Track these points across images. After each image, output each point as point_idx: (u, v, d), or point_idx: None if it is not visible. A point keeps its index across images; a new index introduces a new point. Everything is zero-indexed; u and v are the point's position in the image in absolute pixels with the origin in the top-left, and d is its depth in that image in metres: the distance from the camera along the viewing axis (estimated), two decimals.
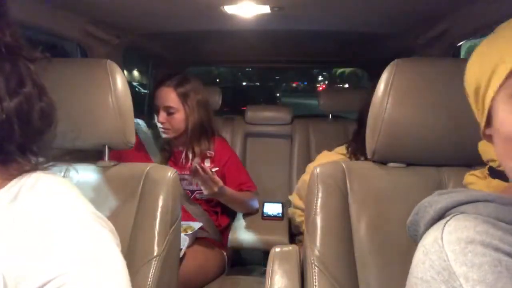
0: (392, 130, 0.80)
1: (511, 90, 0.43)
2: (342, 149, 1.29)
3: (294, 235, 1.51)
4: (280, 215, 1.60)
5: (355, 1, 1.21)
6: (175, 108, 1.42)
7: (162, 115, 1.43)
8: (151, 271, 0.81)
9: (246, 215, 1.58)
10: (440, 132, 0.78)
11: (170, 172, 0.92)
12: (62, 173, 0.88)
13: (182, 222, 1.31)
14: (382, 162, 0.86)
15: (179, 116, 1.43)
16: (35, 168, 0.48)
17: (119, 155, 1.08)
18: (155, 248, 0.84)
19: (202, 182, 1.30)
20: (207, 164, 1.43)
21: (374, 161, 0.87)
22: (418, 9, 1.25)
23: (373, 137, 0.82)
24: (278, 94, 11.23)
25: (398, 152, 0.83)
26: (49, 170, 0.50)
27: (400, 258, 0.75)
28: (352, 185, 0.83)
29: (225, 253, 1.50)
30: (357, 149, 1.21)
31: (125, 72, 2.25)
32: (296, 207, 1.38)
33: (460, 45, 1.48)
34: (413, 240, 0.52)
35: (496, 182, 0.61)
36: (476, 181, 0.67)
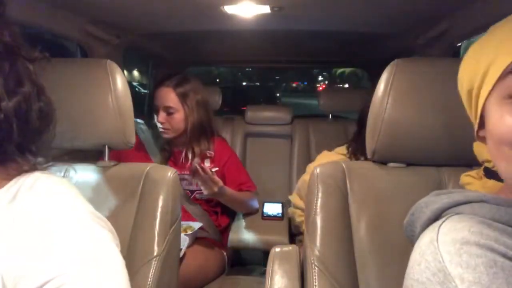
0: (392, 130, 0.80)
1: (504, 92, 0.43)
2: (342, 149, 1.29)
3: (294, 235, 1.51)
4: (280, 215, 1.60)
5: (355, 1, 1.21)
6: (174, 108, 1.42)
7: (162, 115, 1.43)
8: (151, 271, 0.81)
9: (246, 215, 1.58)
10: (440, 132, 0.78)
11: (170, 172, 0.92)
12: (62, 173, 0.89)
13: (182, 222, 1.31)
14: (382, 162, 0.86)
15: (179, 116, 1.43)
16: (34, 168, 0.48)
17: (119, 155, 1.08)
18: (155, 248, 0.84)
19: (202, 182, 1.30)
20: (207, 164, 1.43)
21: (374, 161, 0.87)
22: (418, 9, 1.25)
23: (373, 137, 0.82)
24: (278, 94, 11.22)
25: (398, 152, 0.83)
26: (48, 170, 0.50)
27: (400, 258, 0.74)
28: (352, 185, 0.83)
29: (225, 253, 1.50)
30: (357, 149, 1.21)
31: (125, 72, 2.25)
32: (296, 207, 1.38)
33: (460, 45, 1.48)
34: (410, 241, 0.52)
35: (492, 183, 0.61)
36: (472, 181, 0.67)
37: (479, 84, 0.46)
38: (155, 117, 1.45)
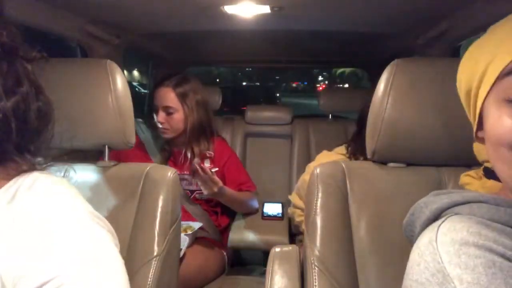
0: (392, 130, 0.80)
1: (502, 93, 0.43)
2: (341, 149, 1.29)
3: (294, 235, 1.51)
4: (280, 215, 1.60)
5: (355, 1, 1.21)
6: (174, 108, 1.42)
7: (161, 115, 1.43)
8: (151, 271, 0.81)
9: (246, 215, 1.58)
10: (440, 132, 0.78)
11: (170, 172, 0.92)
12: (62, 173, 0.88)
13: (182, 222, 1.31)
14: (382, 162, 0.86)
15: (178, 116, 1.43)
16: (33, 168, 0.48)
17: (119, 155, 1.08)
18: (155, 248, 0.84)
19: (202, 182, 1.30)
20: (207, 164, 1.43)
21: (374, 161, 0.87)
22: (418, 9, 1.25)
23: (373, 137, 0.82)
24: (278, 94, 11.22)
25: (398, 152, 0.83)
26: (48, 170, 0.50)
27: (400, 258, 0.74)
28: (352, 185, 0.83)
29: (225, 253, 1.50)
30: (356, 149, 1.21)
31: (125, 72, 2.25)
32: (296, 207, 1.38)
33: (460, 45, 1.48)
34: (409, 241, 0.52)
35: (491, 183, 0.61)
36: (472, 181, 0.67)
37: (477, 84, 0.46)
38: (155, 117, 1.45)
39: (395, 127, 0.80)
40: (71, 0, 1.18)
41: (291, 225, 1.51)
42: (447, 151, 0.80)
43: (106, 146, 0.95)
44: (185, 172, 1.46)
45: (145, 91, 3.37)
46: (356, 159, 1.20)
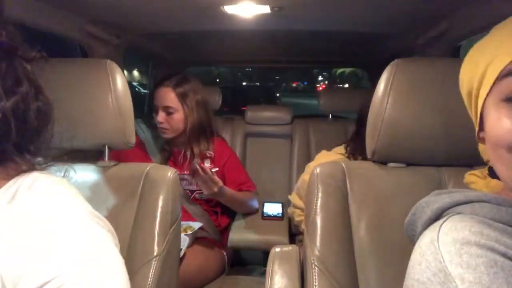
0: (392, 130, 0.80)
1: (501, 94, 0.43)
2: (340, 149, 1.29)
3: (294, 235, 1.51)
4: (280, 215, 1.60)
5: (355, 1, 1.21)
6: (174, 108, 1.42)
7: (161, 115, 1.43)
8: (151, 271, 0.81)
9: (246, 215, 1.58)
10: (440, 132, 0.78)
11: (170, 172, 0.92)
12: (62, 173, 0.88)
13: (182, 222, 1.31)
14: (382, 162, 0.86)
15: (178, 116, 1.43)
16: (32, 168, 0.48)
17: (119, 155, 1.08)
18: (155, 248, 0.84)
19: (202, 182, 1.30)
20: (207, 164, 1.43)
21: (374, 161, 0.87)
22: (418, 9, 1.25)
23: (373, 137, 0.82)
24: (278, 94, 11.22)
25: (398, 152, 0.83)
26: (48, 170, 0.50)
27: (400, 258, 0.75)
28: (352, 185, 0.83)
29: (225, 253, 1.50)
30: (355, 149, 1.21)
31: (125, 72, 2.25)
32: (296, 207, 1.38)
33: (460, 45, 1.48)
34: (411, 240, 0.52)
35: (495, 182, 0.61)
36: (476, 180, 0.67)
37: (477, 85, 0.46)
38: (155, 117, 1.45)
39: (395, 127, 0.80)
40: (71, 0, 1.18)
41: (291, 225, 1.51)
42: (447, 151, 0.80)
43: (106, 146, 0.95)
44: (185, 172, 1.46)
45: (145, 91, 3.37)
46: (355, 158, 1.20)
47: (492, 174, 0.64)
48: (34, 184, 0.46)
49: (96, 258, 0.42)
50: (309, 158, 1.93)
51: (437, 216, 0.46)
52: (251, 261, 1.79)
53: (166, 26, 1.59)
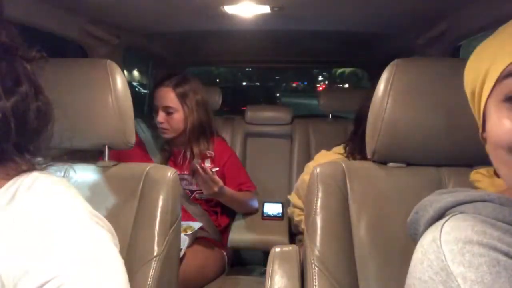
0: (392, 130, 0.80)
1: (502, 94, 0.43)
2: (339, 148, 1.29)
3: (294, 235, 1.51)
4: (280, 215, 1.60)
5: (355, 1, 1.21)
6: (174, 108, 1.42)
7: (161, 115, 1.43)
8: (151, 271, 0.81)
9: (246, 215, 1.58)
10: (440, 132, 0.78)
11: (170, 172, 0.92)
12: (62, 173, 0.88)
13: (182, 222, 1.31)
14: (382, 162, 0.86)
15: (178, 116, 1.43)
16: (32, 168, 0.48)
17: (119, 154, 1.08)
18: (155, 248, 0.84)
19: (202, 182, 1.30)
20: (207, 164, 1.43)
21: (374, 161, 0.87)
22: (418, 9, 1.25)
23: (373, 137, 0.82)
24: (278, 94, 11.22)
25: (398, 152, 0.83)
26: (48, 170, 0.50)
27: (400, 258, 0.75)
28: (352, 185, 0.83)
29: (225, 253, 1.50)
30: (354, 149, 1.21)
31: (125, 72, 2.25)
32: (295, 206, 1.38)
33: (460, 45, 1.48)
34: (413, 239, 0.52)
35: (500, 181, 0.61)
36: (482, 179, 0.67)
37: (480, 85, 0.46)
38: (155, 117, 1.45)
39: (395, 127, 0.80)
40: (71, 0, 1.18)
41: (291, 225, 1.51)
42: (447, 151, 0.80)
43: (106, 146, 0.95)
44: (185, 172, 1.46)
45: (145, 91, 3.37)
46: (354, 158, 1.20)
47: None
48: (34, 184, 0.46)
49: (95, 258, 0.42)
50: (309, 158, 1.93)
51: (440, 215, 0.46)
52: (251, 261, 1.79)
53: (166, 26, 1.59)
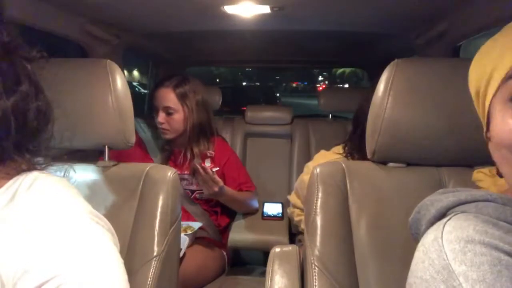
0: (392, 130, 0.80)
1: (506, 94, 0.43)
2: (338, 148, 1.30)
3: (294, 235, 1.51)
4: (280, 215, 1.60)
5: (355, 1, 1.21)
6: (174, 109, 1.42)
7: (161, 115, 1.43)
8: (151, 271, 0.81)
9: (246, 215, 1.58)
10: (440, 132, 0.78)
11: (170, 172, 0.92)
12: (62, 173, 0.89)
13: (182, 222, 1.31)
14: (382, 162, 0.86)
15: (178, 117, 1.43)
16: (32, 167, 0.48)
17: (119, 153, 1.08)
18: (155, 248, 0.84)
19: (202, 182, 1.30)
20: (207, 164, 1.43)
21: (374, 161, 0.87)
22: (418, 9, 1.25)
23: (373, 137, 0.82)
24: (278, 94, 11.23)
25: (398, 152, 0.83)
26: (47, 170, 0.51)
27: (401, 258, 0.75)
28: (352, 185, 0.83)
29: (225, 253, 1.50)
30: (353, 148, 1.21)
31: (125, 72, 2.25)
32: (295, 206, 1.38)
33: (460, 45, 1.48)
34: (414, 239, 0.52)
35: (502, 181, 0.61)
36: (484, 178, 0.67)
37: (485, 85, 0.46)
38: (155, 117, 1.45)
39: (395, 127, 0.80)
40: (71, 0, 1.18)
41: (291, 225, 1.51)
42: (447, 151, 0.80)
43: (106, 146, 0.95)
44: (185, 172, 1.46)
45: (145, 91, 3.37)
46: (353, 158, 1.20)
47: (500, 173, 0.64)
48: (34, 183, 0.46)
49: (95, 257, 0.42)
50: (309, 158, 1.93)
51: (442, 215, 0.46)
52: (251, 261, 1.79)
53: (166, 26, 1.59)
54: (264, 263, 0.94)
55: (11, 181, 0.46)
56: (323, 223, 0.79)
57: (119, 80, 0.89)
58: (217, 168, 1.34)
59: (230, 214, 1.57)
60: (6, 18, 0.44)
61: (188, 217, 1.42)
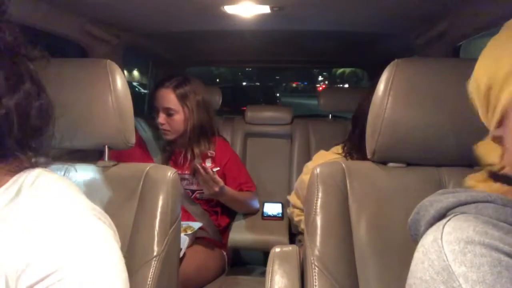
0: (392, 130, 0.80)
1: None
2: (337, 148, 1.30)
3: (294, 235, 1.51)
4: (280, 215, 1.60)
5: (355, 1, 1.21)
6: (174, 110, 1.41)
7: (162, 116, 1.43)
8: (151, 271, 0.81)
9: (246, 215, 1.58)
10: (440, 132, 0.78)
11: (170, 172, 0.92)
12: (62, 173, 0.89)
13: (182, 222, 1.31)
14: (382, 162, 0.86)
15: (179, 117, 1.43)
16: (34, 165, 0.48)
17: (120, 153, 1.08)
18: (155, 248, 0.84)
19: (203, 182, 1.30)
20: (208, 164, 1.43)
21: (374, 161, 0.87)
22: (418, 9, 1.25)
23: (373, 137, 0.82)
24: (278, 94, 11.23)
25: (398, 152, 0.83)
26: (48, 169, 0.51)
27: (400, 258, 0.75)
28: (352, 185, 0.83)
29: (225, 253, 1.50)
30: (352, 148, 1.22)
31: (125, 72, 2.25)
32: (295, 207, 1.38)
33: (460, 45, 1.48)
34: (414, 240, 0.52)
35: (496, 185, 0.61)
36: (476, 184, 0.67)
37: (502, 81, 0.43)
38: (156, 118, 1.45)
39: (395, 127, 0.80)
40: (71, 0, 1.18)
41: (291, 225, 1.51)
42: (447, 151, 0.80)
43: (106, 146, 0.95)
44: (186, 172, 1.46)
45: (145, 91, 3.37)
46: (352, 158, 1.20)
47: (494, 177, 0.63)
48: (37, 180, 0.46)
49: (96, 253, 0.43)
50: (309, 158, 1.93)
51: (441, 216, 0.46)
52: (251, 261, 1.79)
53: (166, 26, 1.59)
54: (264, 263, 0.94)
55: (14, 178, 0.46)
56: (323, 223, 0.79)
57: (119, 80, 0.89)
58: (218, 168, 1.34)
59: (230, 214, 1.57)
60: (8, 18, 0.45)
61: (188, 217, 1.42)
